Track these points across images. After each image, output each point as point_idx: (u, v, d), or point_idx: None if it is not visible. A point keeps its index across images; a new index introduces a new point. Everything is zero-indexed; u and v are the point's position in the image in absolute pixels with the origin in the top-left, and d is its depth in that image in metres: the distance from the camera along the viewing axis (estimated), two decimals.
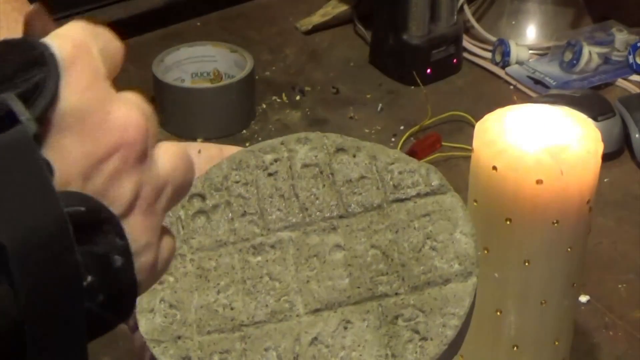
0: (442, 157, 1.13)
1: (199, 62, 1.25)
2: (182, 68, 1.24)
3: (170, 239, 0.41)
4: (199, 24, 1.44)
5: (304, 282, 0.51)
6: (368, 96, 1.27)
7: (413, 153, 1.10)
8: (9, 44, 0.36)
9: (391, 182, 0.53)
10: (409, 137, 1.17)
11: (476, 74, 1.33)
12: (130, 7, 1.45)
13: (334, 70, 1.33)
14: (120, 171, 0.37)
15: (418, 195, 0.52)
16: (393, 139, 1.18)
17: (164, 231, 0.41)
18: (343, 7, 1.43)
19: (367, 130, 1.20)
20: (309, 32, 1.41)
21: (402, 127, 1.20)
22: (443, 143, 1.15)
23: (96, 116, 0.36)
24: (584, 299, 0.94)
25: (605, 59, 1.30)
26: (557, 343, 0.77)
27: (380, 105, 1.25)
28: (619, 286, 0.96)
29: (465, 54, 1.34)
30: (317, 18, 1.42)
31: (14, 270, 0.32)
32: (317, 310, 0.50)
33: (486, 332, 0.76)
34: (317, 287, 0.51)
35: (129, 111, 0.38)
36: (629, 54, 1.29)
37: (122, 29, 1.43)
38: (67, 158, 0.35)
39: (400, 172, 0.53)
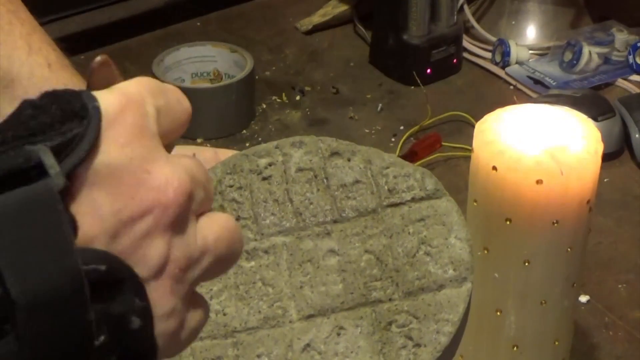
0: (442, 157, 1.13)
1: (199, 62, 1.25)
2: (182, 68, 1.24)
3: (201, 312, 0.40)
4: (199, 24, 1.44)
5: (297, 288, 0.51)
6: (368, 96, 1.27)
7: (413, 153, 1.10)
8: (54, 94, 0.35)
9: (386, 187, 0.53)
10: (409, 137, 1.17)
11: (476, 74, 1.33)
12: (130, 7, 1.45)
13: (334, 70, 1.33)
14: (151, 233, 0.36)
15: (413, 199, 0.52)
16: (393, 139, 1.18)
17: (196, 301, 0.40)
18: (343, 7, 1.43)
19: (367, 130, 1.20)
20: (309, 32, 1.41)
21: (402, 127, 1.20)
22: (443, 143, 1.15)
23: (134, 174, 0.35)
24: (584, 299, 0.94)
25: (605, 59, 1.30)
26: (557, 343, 0.77)
27: (380, 105, 1.25)
28: (619, 286, 0.96)
29: (465, 54, 1.34)
30: (317, 18, 1.42)
31: (20, 325, 0.31)
32: (310, 317, 0.50)
33: (486, 332, 0.76)
34: (310, 292, 0.50)
35: (172, 173, 0.36)
36: (629, 54, 1.29)
37: (122, 29, 1.43)
38: (96, 214, 0.35)
39: (395, 177, 0.53)
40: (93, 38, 1.35)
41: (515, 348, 0.76)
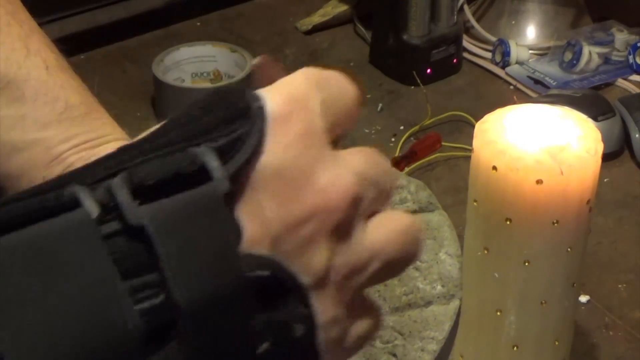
0: (442, 157, 1.13)
1: (199, 62, 1.25)
2: (182, 68, 1.24)
3: (369, 320, 0.38)
4: (199, 24, 1.44)
5: None
6: (368, 96, 1.27)
7: (413, 153, 1.10)
8: (218, 93, 0.34)
9: None
10: (409, 137, 1.17)
11: (476, 74, 1.33)
12: (130, 7, 1.45)
13: None
14: (315, 239, 0.34)
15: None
16: (393, 139, 1.18)
17: (363, 308, 0.38)
18: (343, 7, 1.43)
19: (367, 130, 1.20)
20: (309, 32, 1.41)
21: (402, 127, 1.20)
22: (443, 143, 1.15)
23: (299, 176, 0.34)
24: (584, 299, 0.93)
25: (605, 59, 1.30)
26: (557, 343, 0.77)
27: (380, 105, 1.25)
28: (619, 286, 0.96)
29: (465, 54, 1.34)
30: (317, 18, 1.42)
31: (184, 330, 0.31)
32: None
33: (486, 332, 0.76)
34: None
35: (338, 175, 0.34)
36: (629, 54, 1.29)
37: (122, 29, 1.43)
38: (260, 218, 0.33)
39: None
40: (93, 38, 1.35)
41: (515, 348, 0.76)
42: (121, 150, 0.33)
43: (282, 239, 0.33)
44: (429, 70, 1.28)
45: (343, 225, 0.35)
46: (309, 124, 0.34)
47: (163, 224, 0.31)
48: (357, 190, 0.35)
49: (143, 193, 0.31)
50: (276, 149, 0.34)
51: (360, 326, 0.38)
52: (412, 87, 1.27)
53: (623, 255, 1.00)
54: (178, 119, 0.34)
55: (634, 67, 1.29)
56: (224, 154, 0.33)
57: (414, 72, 1.25)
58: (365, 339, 0.38)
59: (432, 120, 1.19)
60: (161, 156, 0.32)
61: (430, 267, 0.50)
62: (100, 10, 1.41)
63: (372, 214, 0.37)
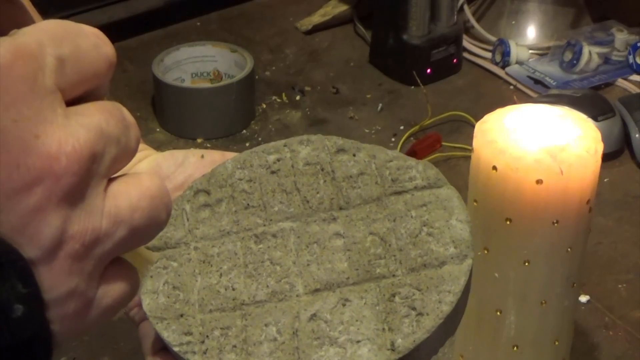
0: (442, 157, 1.13)
1: (199, 62, 1.25)
2: (182, 68, 1.24)
3: (122, 285, 0.36)
4: (199, 24, 1.44)
5: (304, 266, 0.52)
6: (368, 96, 1.27)
7: (413, 153, 1.10)
8: None
9: (389, 177, 0.55)
10: (409, 137, 1.17)
11: (476, 74, 1.33)
12: (130, 7, 1.45)
13: (334, 70, 1.33)
14: (42, 207, 0.31)
15: (415, 188, 0.54)
16: (393, 139, 1.18)
17: (114, 275, 0.36)
18: (343, 7, 1.43)
19: (367, 130, 1.20)
20: (309, 32, 1.41)
21: (402, 127, 1.20)
22: (443, 143, 1.15)
23: (19, 140, 0.31)
24: (584, 299, 0.94)
25: (605, 59, 1.30)
26: (557, 343, 0.77)
27: (380, 105, 1.25)
28: (619, 286, 0.96)
29: (465, 54, 1.34)
30: (317, 18, 1.42)
31: None
32: (316, 291, 0.52)
33: (486, 332, 0.76)
34: (316, 269, 0.52)
35: (67, 136, 0.32)
36: (629, 54, 1.29)
37: (122, 29, 1.43)
38: None
39: (398, 169, 0.55)
40: None
41: (515, 348, 0.76)
42: None
43: (2, 209, 0.31)
44: (429, 70, 1.28)
45: (77, 189, 0.32)
46: (33, 81, 0.31)
47: None
48: (92, 150, 0.32)
49: None
50: None
51: (110, 294, 0.35)
52: (412, 87, 1.27)
53: (623, 255, 1.00)
54: None
55: (634, 67, 1.29)
56: None
57: (414, 72, 1.25)
58: (116, 306, 0.36)
59: (432, 120, 1.19)
60: None
61: (442, 232, 0.52)
62: (100, 10, 1.41)
63: (115, 176, 0.35)
